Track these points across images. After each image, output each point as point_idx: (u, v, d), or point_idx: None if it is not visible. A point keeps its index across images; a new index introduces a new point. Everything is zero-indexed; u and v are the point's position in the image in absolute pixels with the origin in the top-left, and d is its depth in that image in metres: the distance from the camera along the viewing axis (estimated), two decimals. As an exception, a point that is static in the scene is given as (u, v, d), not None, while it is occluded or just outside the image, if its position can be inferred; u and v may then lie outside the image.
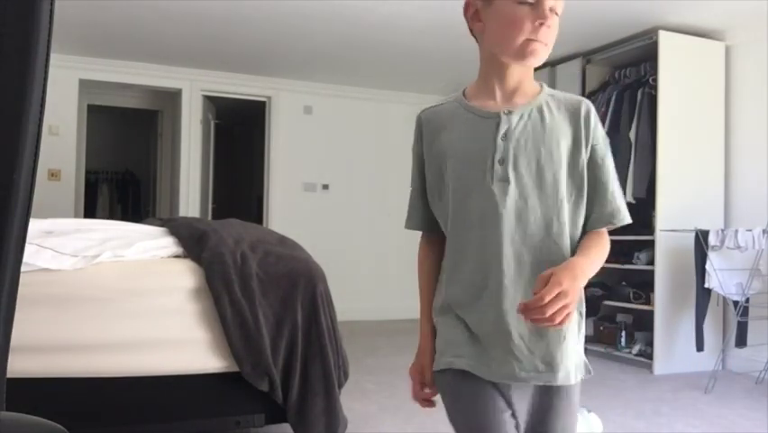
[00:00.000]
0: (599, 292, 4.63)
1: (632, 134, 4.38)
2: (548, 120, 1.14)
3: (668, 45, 4.15)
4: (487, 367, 1.12)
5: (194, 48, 5.06)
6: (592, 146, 1.14)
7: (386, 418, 2.94)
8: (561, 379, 1.12)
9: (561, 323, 0.98)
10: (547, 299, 0.96)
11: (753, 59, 4.23)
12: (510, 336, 1.10)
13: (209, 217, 5.94)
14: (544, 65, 5.13)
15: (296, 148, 6.08)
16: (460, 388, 1.20)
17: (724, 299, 4.05)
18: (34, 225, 2.31)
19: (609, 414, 2.95)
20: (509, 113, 1.12)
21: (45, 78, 0.66)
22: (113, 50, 5.20)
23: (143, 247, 2.34)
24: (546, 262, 1.08)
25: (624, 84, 4.57)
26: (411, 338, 5.13)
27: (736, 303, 3.82)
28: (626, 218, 1.15)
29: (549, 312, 0.96)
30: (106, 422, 2.10)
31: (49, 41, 0.66)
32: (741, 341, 3.90)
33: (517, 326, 1.09)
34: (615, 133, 4.51)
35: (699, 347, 3.82)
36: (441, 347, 1.21)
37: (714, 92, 4.34)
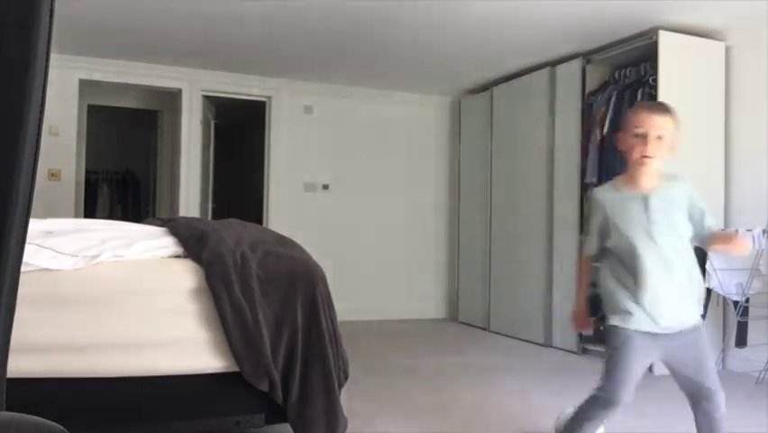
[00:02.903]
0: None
1: (632, 134, 4.37)
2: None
3: (668, 45, 4.16)
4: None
5: (194, 48, 5.06)
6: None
7: (386, 418, 2.94)
8: None
9: None
10: None
11: (753, 59, 4.23)
12: None
13: (209, 217, 5.95)
14: (544, 65, 5.15)
15: (296, 148, 6.08)
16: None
17: (724, 299, 4.05)
18: (34, 225, 2.31)
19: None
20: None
21: (45, 78, 0.66)
22: (113, 50, 5.20)
23: (143, 247, 2.34)
24: None
25: (624, 84, 4.57)
26: (411, 338, 5.14)
27: (735, 303, 3.82)
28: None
29: None
30: (106, 422, 2.10)
31: (49, 41, 0.66)
32: (741, 341, 3.90)
33: None
34: (615, 134, 4.51)
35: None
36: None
37: (714, 92, 4.34)
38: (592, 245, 2.08)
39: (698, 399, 1.99)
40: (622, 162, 4.88)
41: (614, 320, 1.99)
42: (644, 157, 1.90)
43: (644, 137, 1.89)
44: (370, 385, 3.52)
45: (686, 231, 1.97)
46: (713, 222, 2.00)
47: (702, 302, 2.07)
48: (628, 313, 1.95)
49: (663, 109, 1.95)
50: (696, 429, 2.04)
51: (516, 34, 4.56)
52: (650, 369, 4.08)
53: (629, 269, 1.95)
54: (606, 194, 2.04)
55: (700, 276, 2.04)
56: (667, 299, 1.93)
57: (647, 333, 1.94)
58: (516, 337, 5.28)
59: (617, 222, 1.96)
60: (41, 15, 0.64)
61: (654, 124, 1.90)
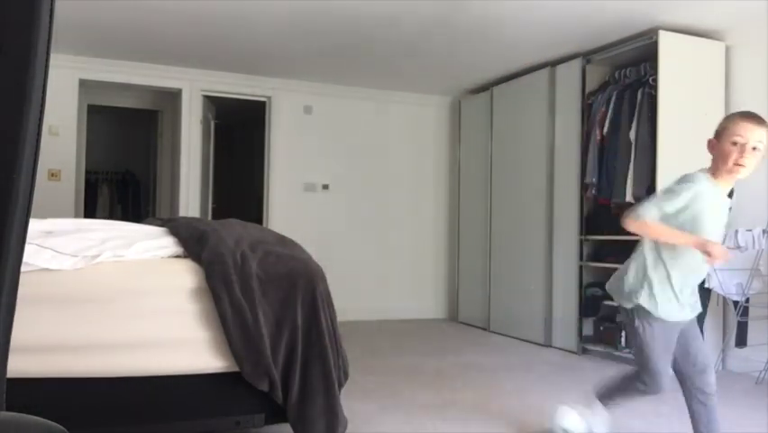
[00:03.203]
0: (599, 292, 4.63)
1: (632, 134, 4.38)
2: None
3: (668, 45, 4.16)
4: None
5: (194, 48, 5.06)
6: None
7: (386, 418, 2.94)
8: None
9: None
10: None
11: (753, 60, 4.23)
12: None
13: (209, 217, 5.94)
14: (544, 65, 5.15)
15: (296, 148, 6.08)
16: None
17: (724, 299, 4.05)
18: (34, 225, 2.31)
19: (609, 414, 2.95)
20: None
21: (45, 78, 0.66)
22: (113, 50, 5.20)
23: (143, 247, 2.34)
24: None
25: (624, 84, 4.57)
26: (411, 338, 5.13)
27: (735, 303, 3.82)
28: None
29: None
30: (106, 422, 2.10)
31: (49, 41, 0.66)
32: (741, 341, 3.91)
33: None
34: (615, 134, 4.52)
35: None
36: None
37: (714, 92, 4.34)
38: (654, 214, 2.11)
39: (692, 378, 2.23)
40: (622, 162, 4.87)
41: (652, 309, 2.15)
42: (738, 165, 2.00)
43: (742, 146, 1.99)
44: (370, 385, 3.52)
45: None
46: None
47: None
48: (669, 302, 2.15)
49: (761, 121, 2.03)
50: (692, 423, 2.24)
51: (516, 34, 4.56)
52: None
53: (685, 262, 2.13)
54: (705, 183, 2.10)
55: None
56: (696, 291, 2.23)
57: (677, 322, 2.18)
58: (516, 337, 5.28)
59: (705, 215, 2.07)
60: (41, 15, 0.64)
61: (755, 135, 1.99)
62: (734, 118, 2.07)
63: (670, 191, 2.14)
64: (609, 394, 2.43)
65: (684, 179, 2.15)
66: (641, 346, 2.21)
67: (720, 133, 2.07)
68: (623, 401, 2.43)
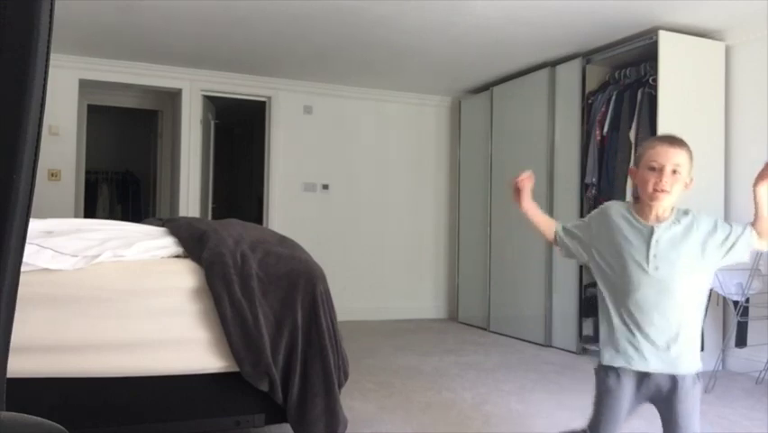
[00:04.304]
0: (599, 292, 4.63)
1: (632, 134, 4.38)
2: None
3: (668, 45, 4.16)
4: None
5: (194, 48, 5.06)
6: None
7: (386, 418, 2.94)
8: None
9: None
10: None
11: (753, 59, 4.23)
12: None
13: (209, 217, 5.95)
14: (544, 65, 5.15)
15: (296, 148, 6.08)
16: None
17: (724, 299, 4.05)
18: (34, 225, 2.31)
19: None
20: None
21: (45, 78, 0.66)
22: (113, 50, 5.20)
23: (144, 247, 2.34)
24: None
25: (624, 84, 4.57)
26: (411, 338, 5.13)
27: (735, 303, 3.82)
28: None
29: None
30: (106, 422, 2.10)
31: (49, 41, 0.66)
32: (741, 341, 3.90)
33: None
34: (615, 133, 4.52)
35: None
36: None
37: (714, 92, 4.34)
38: (560, 233, 2.00)
39: None
40: (622, 162, 4.87)
41: (604, 357, 1.88)
42: (657, 192, 1.81)
43: (659, 171, 1.81)
44: (370, 385, 3.52)
45: (691, 268, 1.83)
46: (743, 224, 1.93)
47: (699, 352, 1.90)
48: (617, 350, 1.84)
49: (679, 143, 1.86)
50: None
51: (516, 34, 4.56)
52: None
53: (620, 299, 1.87)
54: (619, 210, 1.94)
55: (699, 320, 1.90)
56: (658, 336, 1.80)
57: (637, 372, 1.82)
58: (516, 337, 5.28)
59: (619, 243, 1.87)
60: (41, 15, 0.64)
61: (670, 157, 1.82)
62: (650, 142, 1.90)
63: (588, 217, 2.04)
64: None
65: (602, 207, 2.02)
66: (598, 392, 1.90)
67: (638, 160, 1.90)
68: None
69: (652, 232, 1.84)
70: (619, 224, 1.90)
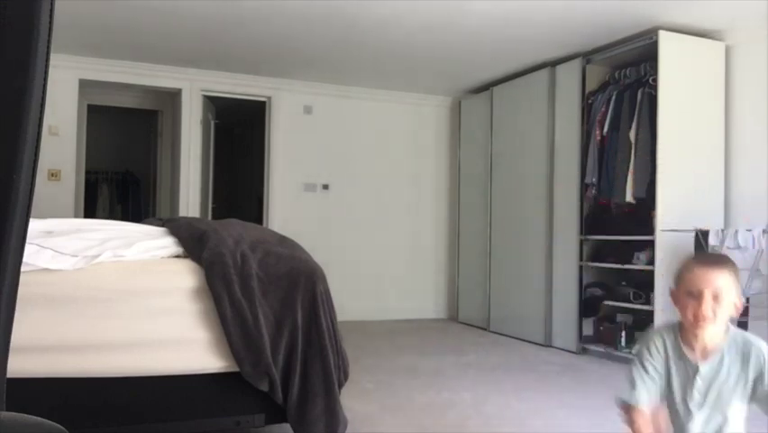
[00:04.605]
0: (599, 292, 4.64)
1: (632, 134, 4.38)
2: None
3: (668, 45, 4.16)
4: None
5: (194, 48, 5.06)
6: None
7: (386, 418, 2.94)
8: None
9: None
10: None
11: (753, 59, 4.23)
12: None
13: (209, 217, 5.94)
14: (544, 65, 5.15)
15: (296, 148, 6.08)
16: None
17: (724, 299, 4.05)
18: (34, 225, 2.31)
19: (609, 414, 2.95)
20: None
21: (45, 78, 0.66)
22: (113, 50, 5.20)
23: (144, 247, 2.34)
24: None
25: (624, 84, 4.57)
26: (411, 338, 5.12)
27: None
28: None
29: None
30: (106, 422, 2.10)
31: (49, 42, 0.66)
32: (741, 341, 3.90)
33: None
34: (615, 133, 4.52)
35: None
36: None
37: (714, 92, 4.34)
38: (641, 395, 1.74)
39: None
40: (622, 162, 4.86)
41: None
42: (699, 320, 1.65)
43: (698, 297, 1.65)
44: (370, 385, 3.52)
45: (737, 407, 1.77)
46: None
47: None
48: None
49: (719, 263, 1.72)
50: None
51: (517, 34, 4.56)
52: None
53: (677, 426, 1.78)
54: (668, 338, 1.77)
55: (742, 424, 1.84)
56: None
57: None
58: (516, 337, 5.28)
59: (668, 371, 1.76)
60: (41, 15, 0.64)
61: (710, 282, 1.65)
62: (688, 264, 1.75)
63: (640, 355, 1.81)
64: None
65: (648, 336, 1.84)
66: None
67: (677, 283, 1.74)
68: None
69: (697, 370, 1.71)
70: (669, 353, 1.76)
